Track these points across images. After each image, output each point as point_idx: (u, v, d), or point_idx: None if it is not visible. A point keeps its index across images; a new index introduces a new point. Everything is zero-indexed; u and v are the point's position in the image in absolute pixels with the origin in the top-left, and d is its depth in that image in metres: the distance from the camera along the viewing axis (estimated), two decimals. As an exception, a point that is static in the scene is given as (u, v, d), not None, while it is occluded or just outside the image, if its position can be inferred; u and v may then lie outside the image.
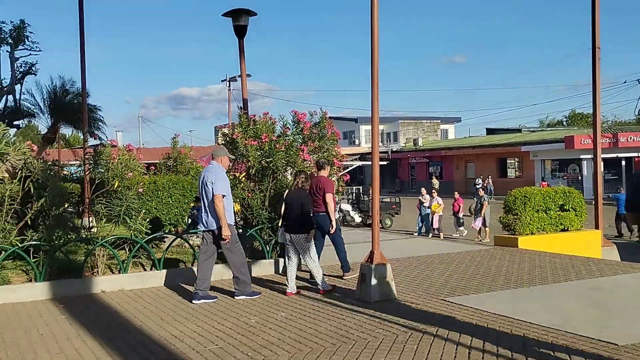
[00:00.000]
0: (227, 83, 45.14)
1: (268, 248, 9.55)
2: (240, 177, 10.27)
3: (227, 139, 10.32)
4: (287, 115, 10.10)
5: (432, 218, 18.24)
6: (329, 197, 8.58)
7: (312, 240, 7.93)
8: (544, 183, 33.16)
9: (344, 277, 8.81)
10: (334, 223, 8.63)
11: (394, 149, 53.99)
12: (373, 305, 7.03)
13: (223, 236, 7.35)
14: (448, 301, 7.22)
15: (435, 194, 19.00)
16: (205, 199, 7.56)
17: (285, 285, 7.96)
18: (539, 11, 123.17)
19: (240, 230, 9.96)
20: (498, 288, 7.97)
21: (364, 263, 7.55)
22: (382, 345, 5.49)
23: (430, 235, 17.47)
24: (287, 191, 8.21)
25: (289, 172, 9.65)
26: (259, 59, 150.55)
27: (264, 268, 9.39)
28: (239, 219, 10.45)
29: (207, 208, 7.55)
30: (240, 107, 10.88)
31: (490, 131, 55.55)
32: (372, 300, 7.20)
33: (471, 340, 5.58)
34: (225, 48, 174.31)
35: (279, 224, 8.18)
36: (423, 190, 19.51)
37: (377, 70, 7.44)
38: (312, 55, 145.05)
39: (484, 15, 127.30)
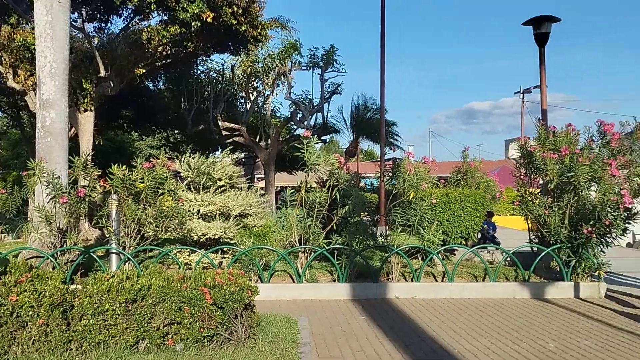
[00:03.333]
0: (521, 95, 43.54)
1: (567, 269, 8.86)
2: (535, 192, 9.77)
3: (523, 151, 9.95)
4: (592, 127, 9.34)
5: None
6: None
7: None
8: None
9: None
10: None
11: None
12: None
13: None
14: None
15: None
16: None
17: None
18: None
19: (535, 249, 9.46)
20: None
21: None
22: None
23: None
24: None
25: (593, 188, 8.82)
26: (555, 68, 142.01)
27: (561, 291, 8.72)
28: (533, 237, 9.93)
29: None
30: (538, 119, 10.39)
31: None
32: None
33: None
34: (519, 60, 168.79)
35: None
36: None
37: None
38: (618, 58, 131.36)
39: None
